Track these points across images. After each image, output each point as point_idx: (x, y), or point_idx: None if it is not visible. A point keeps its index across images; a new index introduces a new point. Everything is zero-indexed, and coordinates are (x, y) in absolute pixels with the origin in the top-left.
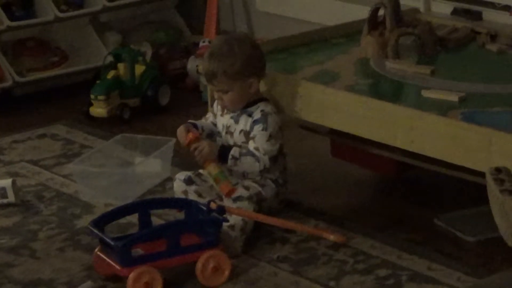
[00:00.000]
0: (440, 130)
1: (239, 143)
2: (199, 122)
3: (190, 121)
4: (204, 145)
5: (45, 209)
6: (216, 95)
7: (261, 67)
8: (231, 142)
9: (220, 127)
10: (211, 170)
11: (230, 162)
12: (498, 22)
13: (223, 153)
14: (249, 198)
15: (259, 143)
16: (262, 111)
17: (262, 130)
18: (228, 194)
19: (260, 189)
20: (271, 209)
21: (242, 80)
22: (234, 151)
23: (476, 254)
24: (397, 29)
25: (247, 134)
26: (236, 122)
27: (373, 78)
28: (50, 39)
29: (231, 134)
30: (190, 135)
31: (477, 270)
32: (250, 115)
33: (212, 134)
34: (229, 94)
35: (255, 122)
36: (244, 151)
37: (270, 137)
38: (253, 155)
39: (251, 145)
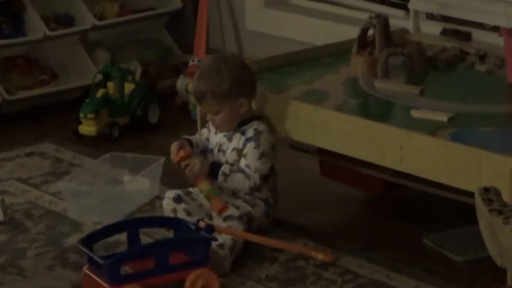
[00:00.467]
0: (429, 149)
1: (231, 161)
2: (193, 138)
3: (184, 136)
4: (195, 162)
5: (33, 227)
6: (208, 116)
7: (251, 87)
8: (222, 160)
9: (213, 144)
10: (202, 187)
11: (220, 178)
12: (487, 43)
13: (213, 169)
14: (240, 218)
15: (250, 160)
16: (255, 129)
17: (254, 148)
18: (220, 212)
19: (250, 209)
20: (260, 228)
21: (230, 100)
22: (225, 168)
23: (465, 274)
24: (387, 49)
25: (239, 152)
26: (229, 140)
27: (362, 98)
28: (39, 57)
29: (224, 152)
30: (181, 153)
31: None
32: (243, 133)
33: (206, 151)
34: (220, 115)
35: (247, 140)
36: (234, 168)
37: (262, 155)
38: (243, 172)
39: (243, 162)
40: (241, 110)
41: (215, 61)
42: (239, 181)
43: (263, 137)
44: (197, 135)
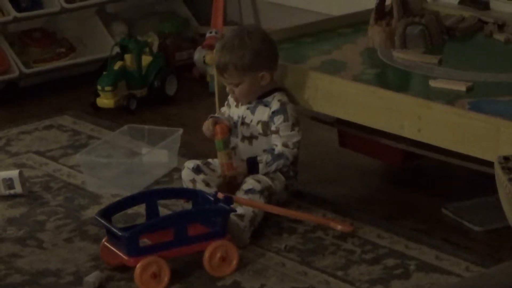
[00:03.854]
0: (447, 119)
1: (255, 134)
2: (220, 116)
3: (213, 115)
4: (239, 167)
5: (52, 200)
6: (228, 88)
7: (273, 60)
8: (247, 134)
9: (235, 118)
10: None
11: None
12: (506, 12)
13: (251, 168)
14: (261, 192)
15: (285, 136)
16: (279, 100)
17: (284, 121)
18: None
19: (270, 182)
20: (279, 201)
21: (252, 73)
22: (262, 169)
23: (484, 244)
24: (404, 19)
25: (265, 125)
26: (253, 113)
27: (380, 68)
28: (56, 30)
29: (247, 125)
30: (217, 128)
31: (485, 259)
32: (266, 105)
33: (231, 128)
34: (240, 87)
35: (274, 113)
36: (269, 159)
37: (293, 126)
38: (279, 157)
39: (277, 140)
40: (262, 83)
41: (239, 33)
42: (278, 167)
43: (289, 107)
44: (218, 115)
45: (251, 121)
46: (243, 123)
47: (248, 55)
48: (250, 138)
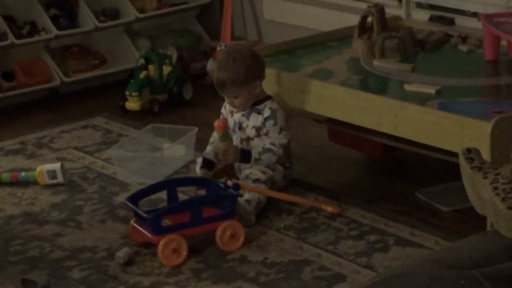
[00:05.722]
0: (420, 117)
1: (251, 136)
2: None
3: None
4: (231, 152)
5: (88, 188)
6: (228, 100)
7: (261, 70)
8: (244, 136)
9: (231, 125)
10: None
11: (252, 163)
12: (468, 27)
13: (245, 156)
14: (265, 182)
15: (273, 137)
16: (270, 108)
17: (274, 125)
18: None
19: (272, 173)
20: (279, 187)
21: (248, 85)
22: (255, 154)
23: (451, 222)
24: (383, 33)
25: (258, 130)
26: (247, 119)
27: (363, 75)
28: (91, 45)
29: (244, 129)
30: (216, 123)
31: (452, 235)
32: (259, 113)
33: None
34: (239, 98)
35: (266, 119)
36: (260, 149)
37: (281, 130)
38: (269, 150)
39: (267, 140)
40: (255, 91)
41: (231, 53)
42: (267, 159)
43: (279, 114)
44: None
45: (247, 126)
46: (240, 128)
47: (242, 70)
48: (247, 140)
